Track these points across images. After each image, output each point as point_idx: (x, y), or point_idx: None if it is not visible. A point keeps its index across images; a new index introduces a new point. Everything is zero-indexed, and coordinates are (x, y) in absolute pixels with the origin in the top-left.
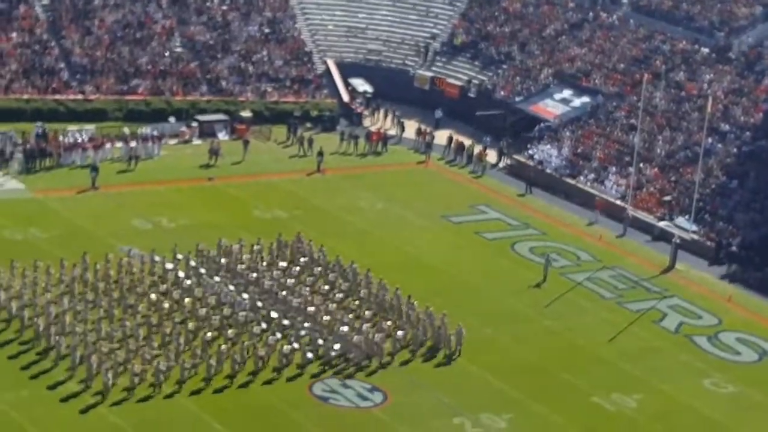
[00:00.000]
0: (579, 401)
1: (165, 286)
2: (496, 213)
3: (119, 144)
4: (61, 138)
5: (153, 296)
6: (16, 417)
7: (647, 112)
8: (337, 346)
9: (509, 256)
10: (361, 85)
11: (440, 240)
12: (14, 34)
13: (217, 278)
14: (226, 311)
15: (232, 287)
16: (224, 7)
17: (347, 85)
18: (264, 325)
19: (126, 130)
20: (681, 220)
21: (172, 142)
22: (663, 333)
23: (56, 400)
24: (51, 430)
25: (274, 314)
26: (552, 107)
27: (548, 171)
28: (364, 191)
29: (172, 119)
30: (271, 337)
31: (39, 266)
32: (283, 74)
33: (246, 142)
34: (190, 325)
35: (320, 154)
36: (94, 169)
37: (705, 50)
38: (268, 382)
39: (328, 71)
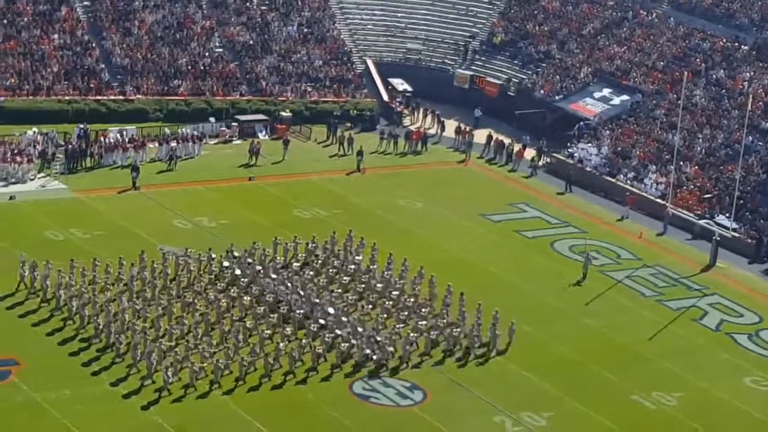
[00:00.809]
0: (619, 399)
1: (222, 283)
2: (536, 211)
3: (159, 144)
4: (102, 138)
5: (211, 294)
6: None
7: (687, 110)
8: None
9: (549, 254)
10: (401, 84)
11: (480, 238)
12: (55, 36)
13: (273, 275)
14: (283, 309)
15: (288, 284)
16: (263, 8)
17: (387, 84)
18: (322, 322)
19: (167, 130)
20: (721, 218)
21: (213, 142)
22: (703, 331)
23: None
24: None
25: (330, 310)
26: (591, 105)
27: (588, 169)
28: (403, 190)
29: (212, 119)
30: (328, 335)
31: (98, 265)
32: (322, 74)
33: (286, 142)
34: (248, 322)
35: (360, 153)
36: (135, 169)
37: (745, 48)
38: (305, 381)
39: (367, 71)
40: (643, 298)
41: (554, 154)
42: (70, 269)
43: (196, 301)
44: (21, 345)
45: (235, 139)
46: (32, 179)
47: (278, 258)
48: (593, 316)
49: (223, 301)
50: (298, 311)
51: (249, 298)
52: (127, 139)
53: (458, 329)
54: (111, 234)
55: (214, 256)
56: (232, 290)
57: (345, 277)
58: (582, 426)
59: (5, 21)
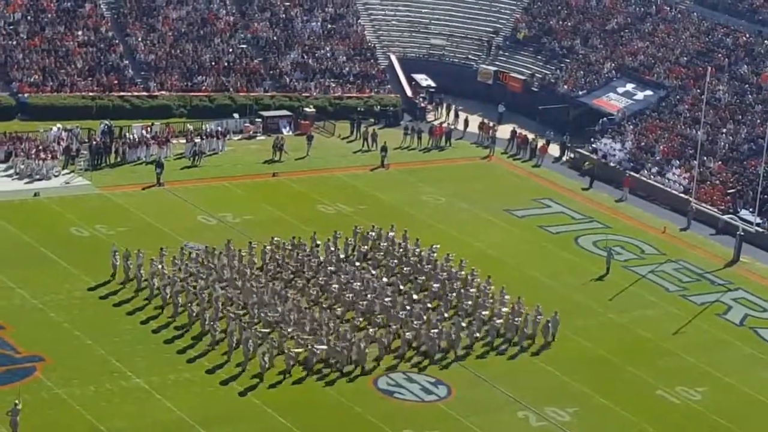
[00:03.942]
0: (644, 394)
1: (309, 272)
2: (560, 206)
3: (183, 140)
4: (126, 135)
5: (300, 282)
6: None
7: (710, 105)
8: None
9: (573, 250)
10: (424, 80)
11: (504, 234)
12: (80, 33)
13: (357, 263)
14: (370, 296)
15: (373, 272)
16: (287, 3)
17: (410, 80)
18: (408, 309)
19: (190, 126)
20: (745, 213)
21: (237, 138)
22: (727, 326)
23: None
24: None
25: (415, 297)
26: (615, 101)
27: (612, 164)
28: (427, 186)
29: (236, 115)
30: (416, 322)
31: (185, 253)
32: (346, 70)
33: (310, 138)
34: (338, 310)
35: (384, 149)
36: (159, 165)
37: None
38: (332, 379)
39: (391, 66)
40: (667, 293)
41: (578, 150)
42: (160, 257)
43: (286, 288)
44: (50, 342)
45: (258, 135)
46: (56, 176)
47: (363, 248)
48: (617, 311)
49: (312, 289)
50: (385, 299)
51: (337, 286)
52: (151, 136)
53: (501, 320)
54: (136, 230)
55: (297, 244)
56: (319, 278)
57: (428, 266)
58: (606, 421)
59: (29, 17)
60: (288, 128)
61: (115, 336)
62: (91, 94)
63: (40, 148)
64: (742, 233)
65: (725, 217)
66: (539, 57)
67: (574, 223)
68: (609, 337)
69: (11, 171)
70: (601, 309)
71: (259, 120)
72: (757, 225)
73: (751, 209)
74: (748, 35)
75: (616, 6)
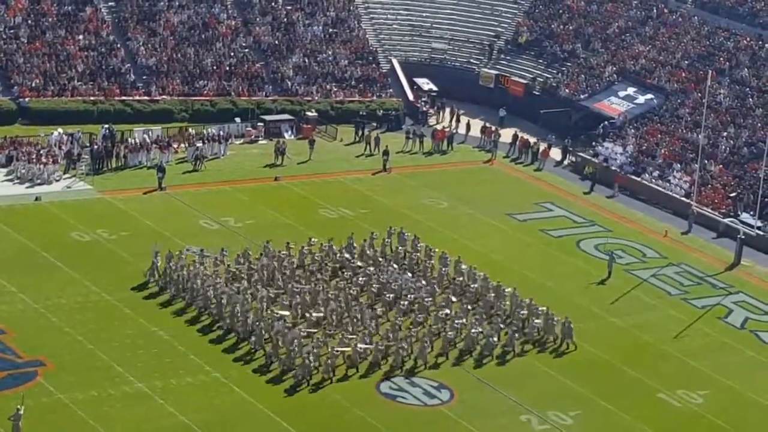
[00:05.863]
0: (645, 397)
1: (348, 273)
2: (561, 210)
3: (185, 145)
4: (128, 139)
5: (340, 283)
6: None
7: (711, 109)
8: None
9: (575, 253)
10: (426, 84)
11: (506, 238)
12: (80, 37)
13: (395, 265)
14: (410, 297)
15: (409, 274)
16: (288, 7)
17: (412, 84)
18: (448, 310)
19: (192, 130)
20: (746, 216)
21: (238, 142)
22: (729, 329)
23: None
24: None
25: (453, 299)
26: (616, 104)
27: (613, 168)
28: (429, 190)
29: (237, 120)
30: (457, 321)
31: (226, 255)
32: (348, 74)
33: (312, 142)
34: (378, 309)
35: (386, 153)
36: (161, 169)
37: None
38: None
39: (392, 70)
40: (669, 297)
41: (579, 153)
42: (201, 259)
43: (326, 289)
44: (52, 346)
45: (260, 139)
46: (58, 180)
47: (399, 248)
48: (619, 314)
49: (353, 289)
50: (426, 299)
51: (377, 286)
52: (152, 140)
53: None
54: (137, 234)
55: (335, 246)
56: (359, 278)
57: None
58: (608, 424)
59: (30, 21)
60: (290, 132)
61: (117, 340)
62: (92, 98)
63: (42, 152)
64: (743, 236)
65: (726, 220)
66: (540, 61)
67: (576, 227)
68: (611, 340)
69: (12, 175)
70: (602, 312)
71: (261, 124)
72: (758, 228)
73: (751, 212)
74: (748, 39)
75: (617, 10)
